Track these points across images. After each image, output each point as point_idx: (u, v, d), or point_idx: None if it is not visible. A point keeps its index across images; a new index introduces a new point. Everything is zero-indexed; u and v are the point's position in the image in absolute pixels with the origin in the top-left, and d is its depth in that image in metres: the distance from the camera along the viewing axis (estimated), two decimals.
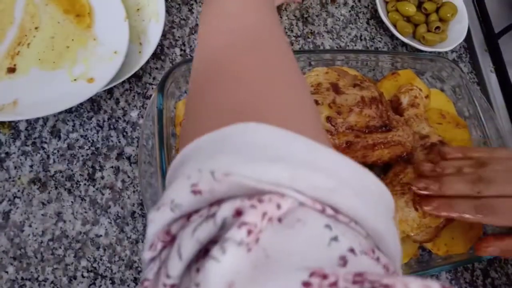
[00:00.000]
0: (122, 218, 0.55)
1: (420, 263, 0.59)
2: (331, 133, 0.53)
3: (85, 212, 0.54)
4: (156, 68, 0.63)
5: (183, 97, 0.60)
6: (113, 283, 0.52)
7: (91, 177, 0.56)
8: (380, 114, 0.55)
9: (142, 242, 0.54)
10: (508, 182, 0.49)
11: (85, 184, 0.55)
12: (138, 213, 0.55)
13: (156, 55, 0.64)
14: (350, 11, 0.77)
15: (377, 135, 0.54)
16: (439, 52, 0.76)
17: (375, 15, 0.77)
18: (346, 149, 0.54)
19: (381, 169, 0.59)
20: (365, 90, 0.57)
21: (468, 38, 0.80)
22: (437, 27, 0.73)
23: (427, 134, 0.59)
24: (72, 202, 0.54)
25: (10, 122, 0.56)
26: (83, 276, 0.52)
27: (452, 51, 0.79)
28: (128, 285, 0.52)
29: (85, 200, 0.54)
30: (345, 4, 0.77)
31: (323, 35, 0.73)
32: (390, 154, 0.56)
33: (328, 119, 0.54)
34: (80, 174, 0.55)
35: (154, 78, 0.63)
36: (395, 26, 0.74)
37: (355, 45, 0.74)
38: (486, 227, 0.61)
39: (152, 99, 0.52)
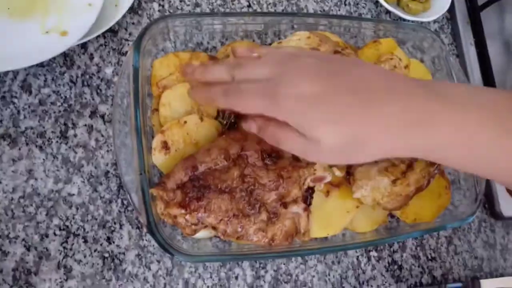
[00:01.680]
0: (95, 177, 0.54)
1: (388, 230, 0.61)
2: None
3: (57, 170, 0.53)
4: (133, 23, 0.61)
5: (160, 56, 0.58)
6: (85, 241, 0.52)
7: (64, 135, 0.54)
8: None
9: (116, 202, 0.54)
10: (258, 66, 0.43)
11: (57, 141, 0.54)
12: (111, 173, 0.55)
13: (133, 10, 0.61)
14: None
15: None
16: (422, 22, 0.75)
17: None
18: None
19: None
20: (346, 57, 0.56)
21: (452, 9, 0.79)
22: None
23: None
24: (43, 159, 0.53)
25: None
26: (55, 234, 0.51)
27: (434, 21, 0.79)
28: (101, 244, 0.52)
29: (57, 158, 0.53)
30: None
31: None
32: None
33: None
34: (52, 131, 0.54)
35: (130, 34, 0.60)
36: None
37: (339, 10, 0.73)
38: (454, 197, 0.63)
39: (128, 56, 0.50)
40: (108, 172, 0.54)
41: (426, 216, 0.61)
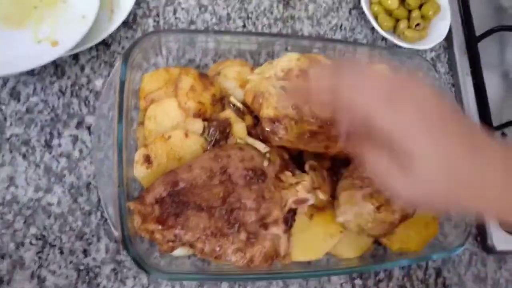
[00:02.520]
0: (76, 188, 0.54)
1: (374, 257, 0.60)
2: (295, 121, 0.53)
3: (39, 179, 0.53)
4: (127, 38, 0.62)
5: (151, 70, 0.58)
6: (61, 252, 0.51)
7: (48, 144, 0.54)
8: None
9: (95, 214, 0.53)
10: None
11: (41, 150, 0.54)
12: (93, 185, 0.54)
13: (128, 24, 0.62)
14: None
15: None
16: (418, 50, 0.75)
17: (358, 6, 0.76)
18: (309, 138, 0.53)
19: (343, 162, 0.59)
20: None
21: (449, 38, 0.79)
22: (418, 24, 0.73)
23: None
24: (26, 167, 0.53)
25: None
26: (31, 244, 0.51)
27: (431, 49, 0.79)
28: (77, 256, 0.52)
29: (39, 166, 0.53)
30: None
31: (303, 21, 0.72)
32: None
33: (294, 106, 0.53)
34: (37, 140, 0.54)
35: (123, 48, 0.61)
36: (376, 18, 0.73)
37: (334, 34, 0.73)
38: (444, 227, 0.62)
39: (116, 68, 0.51)
40: (89, 183, 0.54)
41: (413, 245, 0.59)
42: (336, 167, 0.59)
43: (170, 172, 0.50)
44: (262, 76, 0.57)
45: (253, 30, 0.68)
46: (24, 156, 0.53)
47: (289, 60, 0.58)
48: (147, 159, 0.52)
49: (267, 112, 0.53)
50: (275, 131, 0.53)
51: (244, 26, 0.68)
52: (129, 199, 0.48)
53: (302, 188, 0.52)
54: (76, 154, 0.55)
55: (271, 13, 0.71)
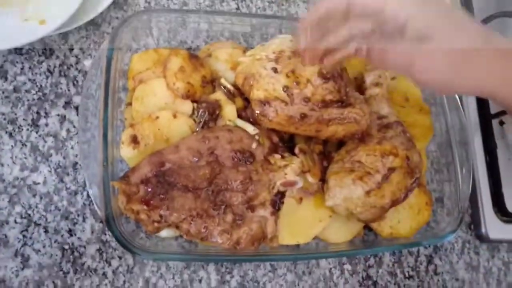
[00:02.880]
0: (63, 167, 0.53)
1: (364, 242, 0.59)
2: (285, 103, 0.52)
3: (25, 157, 0.52)
4: (117, 18, 0.61)
5: (140, 51, 0.58)
6: (46, 231, 0.51)
7: (35, 123, 0.54)
8: (338, 89, 0.54)
9: (81, 194, 0.53)
10: None
11: (27, 129, 0.53)
12: (80, 165, 0.54)
13: (118, 5, 0.61)
14: None
15: (332, 110, 0.53)
16: None
17: None
18: (300, 121, 0.53)
19: (335, 146, 0.58)
20: None
21: None
22: None
23: (386, 114, 0.58)
24: (12, 146, 0.52)
25: None
26: (15, 222, 0.50)
27: None
28: (62, 236, 0.51)
29: (26, 145, 0.53)
30: None
31: (298, 4, 0.71)
32: (345, 132, 0.55)
33: (285, 88, 0.52)
34: (23, 119, 0.54)
35: (113, 28, 0.60)
36: None
37: None
38: (436, 214, 0.61)
39: (102, 47, 0.50)
40: (76, 163, 0.54)
41: (404, 231, 0.59)
42: (328, 151, 0.59)
43: (156, 152, 0.50)
44: (253, 58, 0.56)
45: (248, 13, 0.67)
46: (10, 135, 0.53)
47: (281, 42, 0.57)
48: (134, 139, 0.51)
49: (257, 94, 0.53)
50: (265, 113, 0.52)
51: (237, 8, 0.67)
52: (115, 179, 0.48)
53: (290, 171, 0.52)
54: (63, 133, 0.54)
55: None
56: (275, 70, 0.53)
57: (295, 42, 0.57)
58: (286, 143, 0.57)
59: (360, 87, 0.62)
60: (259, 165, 0.52)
